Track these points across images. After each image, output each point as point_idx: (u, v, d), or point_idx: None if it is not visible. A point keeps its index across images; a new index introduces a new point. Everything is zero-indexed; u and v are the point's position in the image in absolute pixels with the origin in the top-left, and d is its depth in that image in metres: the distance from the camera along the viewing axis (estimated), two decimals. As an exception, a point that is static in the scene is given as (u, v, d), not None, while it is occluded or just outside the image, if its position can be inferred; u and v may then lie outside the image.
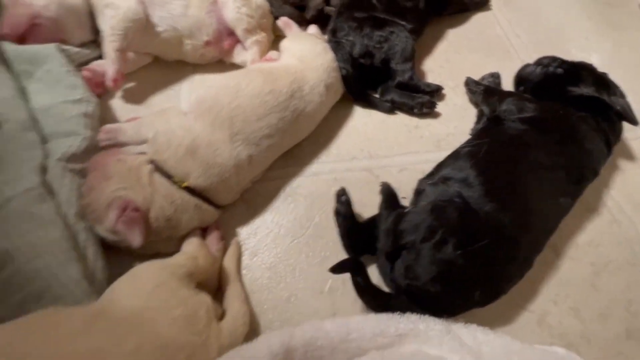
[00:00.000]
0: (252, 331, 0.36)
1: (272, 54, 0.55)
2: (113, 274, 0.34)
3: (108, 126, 0.43)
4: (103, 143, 0.41)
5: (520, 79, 0.49)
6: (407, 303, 0.35)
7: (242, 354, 0.29)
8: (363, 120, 0.52)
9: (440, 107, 0.54)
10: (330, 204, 0.44)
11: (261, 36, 0.55)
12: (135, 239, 0.35)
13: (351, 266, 0.37)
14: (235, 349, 0.29)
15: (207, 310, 0.31)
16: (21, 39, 0.47)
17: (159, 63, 0.57)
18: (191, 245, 0.37)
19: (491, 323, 0.35)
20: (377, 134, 0.51)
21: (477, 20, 0.67)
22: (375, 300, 0.36)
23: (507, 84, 0.54)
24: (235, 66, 0.56)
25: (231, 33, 0.56)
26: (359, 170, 0.47)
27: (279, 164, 0.46)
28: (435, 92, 0.53)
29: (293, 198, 0.45)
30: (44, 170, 0.37)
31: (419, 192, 0.39)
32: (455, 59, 0.60)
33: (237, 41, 0.56)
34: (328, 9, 0.61)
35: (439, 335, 0.31)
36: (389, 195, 0.40)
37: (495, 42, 0.64)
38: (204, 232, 0.41)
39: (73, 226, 0.35)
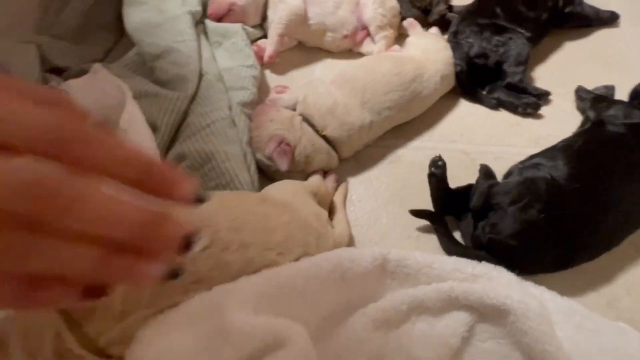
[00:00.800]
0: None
1: (395, 47, 0.66)
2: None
3: (271, 97, 0.58)
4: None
5: (636, 93, 0.51)
6: (483, 257, 0.41)
7: (351, 251, 0.40)
8: (467, 111, 0.59)
9: (545, 110, 0.58)
10: (425, 174, 0.52)
11: (389, 32, 0.66)
12: (283, 165, 0.48)
13: (429, 215, 0.46)
14: (345, 248, 0.40)
15: (325, 216, 0.43)
16: (219, 19, 0.66)
17: (301, 47, 0.72)
18: (315, 178, 0.49)
19: (561, 294, 0.39)
20: (478, 125, 0.57)
21: (601, 35, 0.67)
22: (453, 247, 0.43)
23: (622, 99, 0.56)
24: (361, 55, 0.68)
25: (364, 28, 0.68)
26: (457, 152, 0.55)
27: (389, 135, 0.56)
28: (542, 96, 0.58)
29: (396, 163, 0.54)
30: (230, 108, 0.53)
31: (508, 174, 0.45)
32: (569, 69, 0.63)
33: (368, 35, 0.68)
34: (450, 15, 0.69)
35: (509, 282, 0.38)
36: (487, 171, 0.47)
37: (615, 58, 0.64)
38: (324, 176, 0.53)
39: (245, 149, 0.50)
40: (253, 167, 0.49)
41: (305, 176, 0.51)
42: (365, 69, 0.53)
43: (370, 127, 0.52)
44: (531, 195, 0.40)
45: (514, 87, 0.58)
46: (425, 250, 0.46)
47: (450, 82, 0.58)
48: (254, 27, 0.70)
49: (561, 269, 0.40)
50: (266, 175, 0.51)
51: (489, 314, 0.37)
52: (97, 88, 0.52)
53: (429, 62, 0.55)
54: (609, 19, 0.68)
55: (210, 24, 0.66)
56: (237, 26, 0.65)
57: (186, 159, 0.47)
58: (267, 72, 0.68)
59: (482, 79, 0.60)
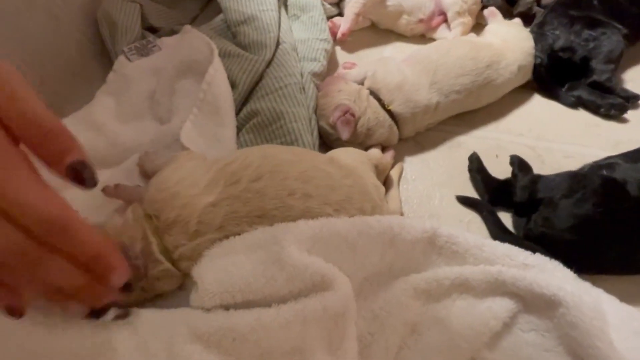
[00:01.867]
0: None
1: (471, 35, 0.64)
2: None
3: (339, 71, 0.60)
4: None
5: None
6: (537, 249, 0.40)
7: (402, 219, 0.41)
8: (540, 107, 0.57)
9: (631, 114, 0.53)
10: (486, 163, 0.51)
11: (467, 19, 0.65)
12: (344, 134, 0.50)
13: (475, 204, 0.46)
14: (396, 216, 0.42)
15: (383, 190, 0.44)
16: (300, -7, 0.70)
17: (373, 28, 0.73)
18: (376, 151, 0.51)
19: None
20: (550, 121, 0.55)
21: None
22: (503, 237, 0.43)
23: None
24: (433, 40, 0.67)
25: (441, 13, 0.67)
26: (523, 145, 0.53)
27: (451, 121, 0.56)
28: (631, 99, 0.53)
29: (456, 149, 0.54)
30: (301, 75, 0.56)
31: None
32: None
33: (444, 21, 0.67)
34: (537, 9, 0.66)
35: (564, 277, 0.37)
36: (520, 162, 0.47)
37: None
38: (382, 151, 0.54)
39: (310, 114, 0.53)
40: (315, 132, 0.52)
41: (364, 149, 0.53)
42: (439, 51, 0.53)
43: (436, 108, 0.52)
44: (585, 189, 0.38)
45: (599, 86, 0.54)
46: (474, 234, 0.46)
47: (527, 74, 0.56)
48: (331, 4, 0.72)
49: (624, 272, 0.38)
50: (326, 143, 0.54)
51: (536, 304, 0.36)
52: (188, 44, 0.57)
53: (507, 51, 0.54)
54: None
55: (290, -3, 0.70)
56: (316, 1, 0.67)
57: (258, 116, 0.51)
58: (338, 49, 0.70)
59: (562, 75, 0.57)
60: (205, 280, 0.32)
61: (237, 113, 0.53)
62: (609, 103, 0.53)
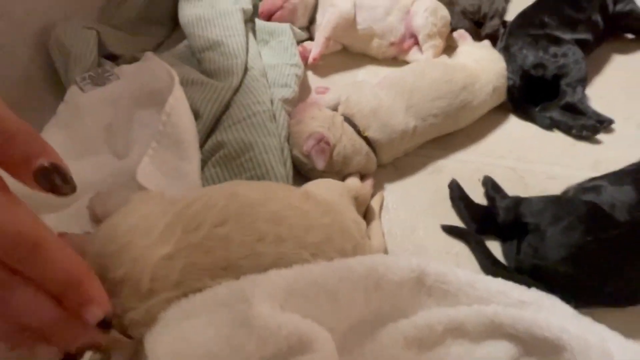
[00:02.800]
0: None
1: (443, 57, 0.64)
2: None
3: (312, 96, 0.58)
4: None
5: None
6: (529, 282, 0.37)
7: (386, 258, 0.37)
8: (518, 128, 0.56)
9: (604, 135, 0.53)
10: (469, 187, 0.49)
11: (438, 42, 0.64)
12: (319, 163, 0.47)
13: (462, 233, 0.43)
14: (380, 254, 0.38)
15: (364, 226, 0.41)
16: (269, 17, 0.68)
17: (345, 52, 0.71)
18: (355, 181, 0.47)
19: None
20: (529, 142, 0.54)
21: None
22: (493, 269, 0.40)
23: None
24: (406, 63, 0.66)
25: (412, 36, 0.66)
26: (504, 168, 0.51)
27: (430, 145, 0.54)
28: (605, 123, 0.53)
29: (437, 174, 0.52)
30: (271, 102, 0.53)
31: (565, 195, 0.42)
32: (637, 89, 0.58)
33: (415, 44, 0.67)
34: (503, 31, 0.67)
35: (564, 315, 0.34)
36: (494, 184, 0.46)
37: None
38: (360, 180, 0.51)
39: (282, 143, 0.49)
40: (289, 163, 0.48)
41: (341, 178, 0.49)
42: (414, 73, 0.52)
43: (414, 133, 0.49)
44: (570, 216, 0.36)
45: (571, 108, 0.54)
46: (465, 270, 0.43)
47: (502, 96, 0.55)
48: (300, 28, 0.70)
49: (625, 303, 0.35)
50: (300, 173, 0.50)
51: (538, 347, 0.33)
52: (147, 72, 0.53)
53: (481, 72, 0.53)
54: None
55: (259, 22, 0.67)
56: (285, 26, 0.65)
57: (224, 147, 0.47)
58: (310, 74, 0.68)
59: (536, 96, 0.56)
60: (158, 353, 0.27)
61: (202, 145, 0.48)
62: (581, 124, 0.52)
